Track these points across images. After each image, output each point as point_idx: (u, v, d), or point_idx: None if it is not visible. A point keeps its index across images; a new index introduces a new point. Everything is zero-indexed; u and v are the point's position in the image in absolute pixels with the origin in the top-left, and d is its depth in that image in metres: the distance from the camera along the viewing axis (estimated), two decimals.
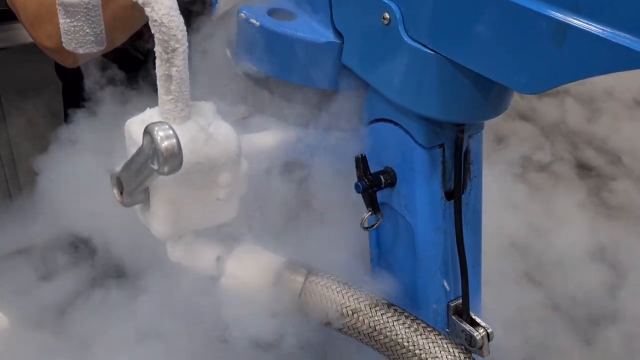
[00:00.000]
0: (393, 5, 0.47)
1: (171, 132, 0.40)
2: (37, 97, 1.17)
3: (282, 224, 0.62)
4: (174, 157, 0.39)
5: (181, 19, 0.45)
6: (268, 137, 0.59)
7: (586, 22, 0.37)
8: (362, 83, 0.55)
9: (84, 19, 0.43)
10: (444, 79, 0.47)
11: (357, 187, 0.53)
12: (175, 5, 0.45)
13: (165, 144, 0.39)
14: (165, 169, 0.40)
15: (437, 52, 0.46)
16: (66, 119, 1.16)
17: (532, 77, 0.41)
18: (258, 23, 0.55)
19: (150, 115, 0.49)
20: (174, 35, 0.45)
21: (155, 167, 0.40)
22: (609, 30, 0.36)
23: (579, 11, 0.37)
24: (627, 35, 0.35)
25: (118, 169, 0.48)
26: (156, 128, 0.39)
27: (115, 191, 0.49)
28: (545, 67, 0.40)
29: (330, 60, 0.55)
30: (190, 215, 0.51)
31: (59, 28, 0.45)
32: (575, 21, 0.37)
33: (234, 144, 0.50)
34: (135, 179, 0.45)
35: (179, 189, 0.49)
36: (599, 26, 0.36)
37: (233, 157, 0.50)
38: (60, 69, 1.08)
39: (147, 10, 0.45)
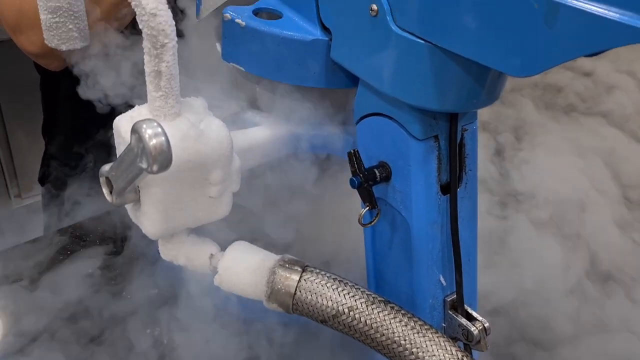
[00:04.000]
0: None
1: (160, 129, 0.39)
2: (33, 93, 1.17)
3: (275, 219, 0.61)
4: (163, 155, 0.38)
5: (169, 13, 0.44)
6: (260, 133, 0.58)
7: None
8: (352, 78, 0.54)
9: (66, 14, 0.42)
10: (435, 67, 0.46)
11: (352, 182, 0.52)
12: (164, 0, 0.44)
13: (153, 142, 0.38)
14: (155, 167, 0.39)
15: (426, 41, 0.45)
16: (45, 112, 1.15)
17: (525, 60, 0.40)
18: (244, 23, 0.54)
19: (139, 112, 0.48)
20: (163, 30, 0.44)
21: (144, 165, 0.39)
22: (600, 6, 0.35)
23: None
24: (619, 10, 0.34)
25: (107, 167, 0.47)
26: (144, 125, 0.38)
27: (105, 191, 0.48)
28: (539, 48, 0.39)
29: (319, 57, 0.54)
30: (182, 214, 0.50)
31: (42, 34, 0.44)
32: (565, 0, 0.36)
33: (225, 140, 0.49)
34: (125, 178, 0.44)
35: (170, 187, 0.48)
36: (590, 3, 0.35)
37: (225, 153, 0.49)
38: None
39: (134, 4, 0.44)
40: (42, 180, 1.16)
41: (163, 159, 0.39)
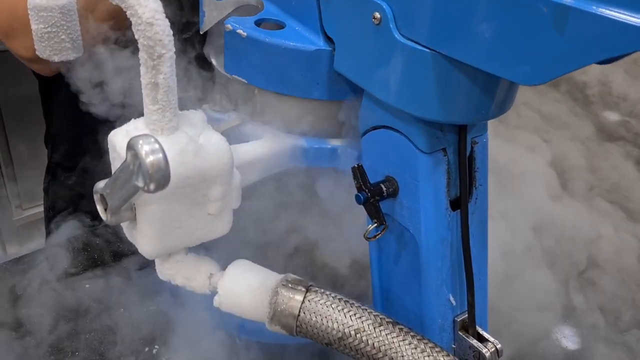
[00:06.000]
0: (384, 4, 0.45)
1: (157, 145, 0.36)
2: (35, 104, 1.15)
3: (277, 238, 0.59)
4: (160, 174, 0.36)
5: (167, 22, 0.42)
6: (261, 147, 0.56)
7: (587, 3, 0.34)
8: (356, 90, 0.52)
9: (59, 24, 0.40)
10: (441, 77, 0.44)
11: (357, 198, 0.50)
12: (161, 9, 0.42)
13: (150, 159, 0.36)
14: (152, 186, 0.36)
15: (432, 49, 0.43)
16: (46, 117, 1.13)
17: (535, 68, 0.38)
18: (245, 34, 0.53)
19: (135, 126, 0.46)
20: (160, 40, 0.42)
21: (140, 184, 0.37)
22: (611, 10, 0.33)
23: None
24: (631, 14, 0.32)
25: (102, 184, 0.45)
26: (140, 141, 0.36)
27: (100, 208, 0.46)
28: (549, 56, 0.37)
29: (322, 68, 0.52)
30: (180, 232, 0.48)
31: None
32: (575, 3, 0.34)
33: (225, 155, 0.47)
34: (120, 196, 0.42)
35: (167, 205, 0.46)
36: (601, 6, 0.33)
37: (225, 169, 0.47)
38: None
39: (130, 13, 0.42)
40: (47, 190, 1.15)
41: (160, 177, 0.36)
